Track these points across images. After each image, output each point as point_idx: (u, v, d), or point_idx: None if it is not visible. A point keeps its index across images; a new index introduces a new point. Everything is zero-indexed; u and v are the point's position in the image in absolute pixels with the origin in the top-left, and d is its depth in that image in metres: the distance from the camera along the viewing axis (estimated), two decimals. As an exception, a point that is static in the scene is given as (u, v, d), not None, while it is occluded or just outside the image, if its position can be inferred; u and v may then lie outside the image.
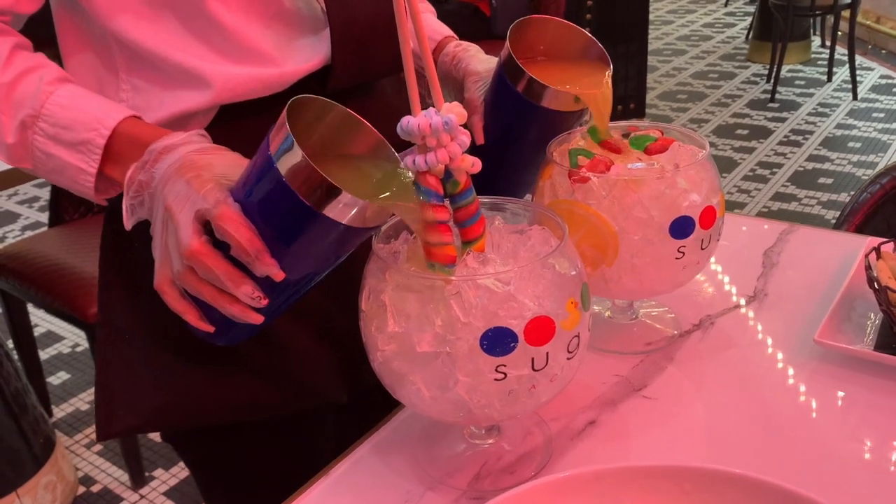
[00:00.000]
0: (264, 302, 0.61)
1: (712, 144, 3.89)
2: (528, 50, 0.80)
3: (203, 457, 0.87)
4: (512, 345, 0.58)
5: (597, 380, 0.80)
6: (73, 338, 2.67)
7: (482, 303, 0.58)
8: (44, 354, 2.55)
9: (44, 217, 3.51)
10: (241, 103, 0.75)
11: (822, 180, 3.48)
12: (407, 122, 0.59)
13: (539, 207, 0.69)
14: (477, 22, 3.63)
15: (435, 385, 0.60)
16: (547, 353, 0.59)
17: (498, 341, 0.58)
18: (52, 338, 2.68)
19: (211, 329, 0.65)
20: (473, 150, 0.78)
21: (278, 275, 0.59)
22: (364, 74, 0.81)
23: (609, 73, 0.79)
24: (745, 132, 4.04)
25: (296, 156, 0.56)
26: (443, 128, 0.59)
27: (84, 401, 2.37)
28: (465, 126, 0.60)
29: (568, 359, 0.61)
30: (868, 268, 0.80)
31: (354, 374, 0.83)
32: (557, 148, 0.80)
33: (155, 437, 2.20)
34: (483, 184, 0.63)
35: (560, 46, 0.82)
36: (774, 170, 3.62)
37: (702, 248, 0.77)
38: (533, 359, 0.59)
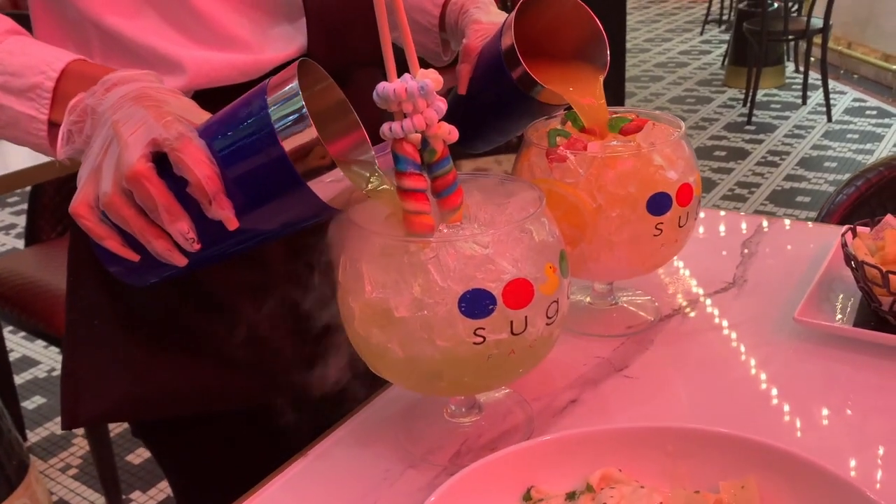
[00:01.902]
0: (196, 246, 0.57)
1: (691, 166, 3.93)
2: (532, 19, 0.77)
3: (173, 450, 0.85)
4: (490, 307, 0.57)
5: (578, 361, 0.79)
6: (48, 362, 2.63)
7: (460, 266, 0.58)
8: (19, 379, 2.50)
9: (20, 244, 3.47)
10: (216, 89, 0.75)
11: (799, 199, 3.53)
12: (383, 87, 0.59)
13: (517, 180, 0.69)
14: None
15: (414, 352, 0.59)
16: (526, 317, 0.59)
17: (476, 304, 0.57)
18: (27, 362, 2.63)
19: (136, 258, 0.59)
20: (454, 99, 0.76)
21: (232, 222, 0.55)
22: (339, 63, 0.81)
23: (603, 76, 0.79)
24: (724, 153, 4.09)
25: (299, 117, 0.53)
26: (418, 93, 0.59)
27: (59, 425, 2.32)
28: (441, 93, 0.60)
29: (547, 324, 0.61)
30: (844, 245, 0.81)
31: (328, 367, 0.82)
32: (535, 129, 0.80)
33: (132, 458, 2.15)
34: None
35: (565, 23, 0.80)
36: (753, 189, 3.66)
37: (679, 226, 0.77)
38: (512, 322, 0.58)
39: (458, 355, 0.59)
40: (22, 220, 3.65)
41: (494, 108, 0.81)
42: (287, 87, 0.55)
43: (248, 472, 0.82)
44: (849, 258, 0.80)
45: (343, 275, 0.62)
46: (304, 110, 0.54)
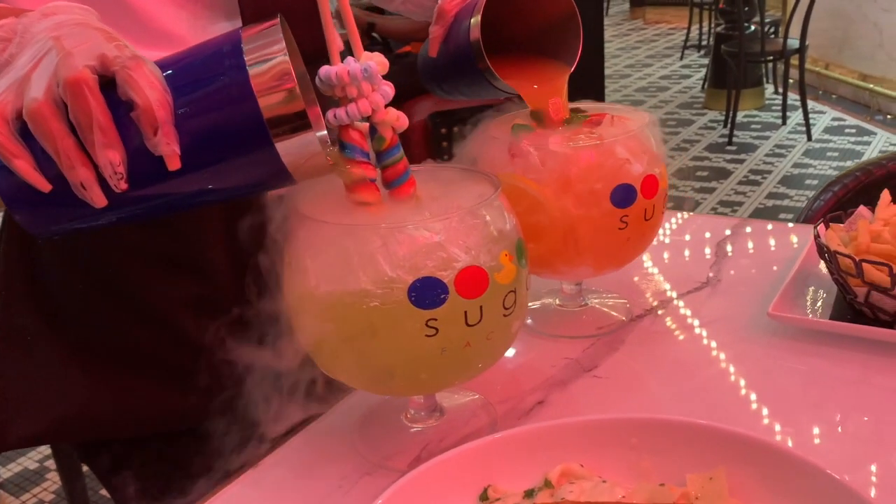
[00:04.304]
0: (123, 186, 0.49)
1: (673, 186, 3.94)
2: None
3: (119, 471, 0.80)
4: (442, 296, 0.55)
5: (546, 363, 0.76)
6: (24, 396, 2.56)
7: (410, 254, 0.55)
8: (-8, 414, 2.44)
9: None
10: None
11: (782, 216, 3.52)
12: (325, 71, 0.57)
13: (476, 171, 0.66)
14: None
15: (364, 347, 0.56)
16: (481, 307, 0.56)
17: (427, 293, 0.54)
18: None
19: (48, 187, 0.49)
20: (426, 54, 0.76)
21: (174, 160, 0.48)
22: None
23: (570, 71, 0.77)
24: (706, 174, 4.10)
25: (281, 71, 0.49)
26: (362, 76, 0.56)
27: (33, 459, 2.26)
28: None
29: (505, 315, 0.58)
30: (817, 237, 0.79)
31: (277, 380, 0.78)
32: (498, 124, 0.78)
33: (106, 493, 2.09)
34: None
35: (535, 3, 0.78)
36: (736, 208, 3.66)
37: (646, 219, 0.74)
38: (466, 312, 0.55)
39: (411, 349, 0.56)
40: None
41: (460, 78, 0.79)
42: (268, 32, 0.50)
43: (198, 489, 0.78)
44: (822, 249, 0.78)
45: (288, 270, 0.59)
46: (284, 53, 0.49)
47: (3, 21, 0.55)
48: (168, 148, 0.48)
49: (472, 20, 0.74)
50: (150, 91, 0.48)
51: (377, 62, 0.57)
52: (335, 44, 0.57)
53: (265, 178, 0.53)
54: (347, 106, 0.57)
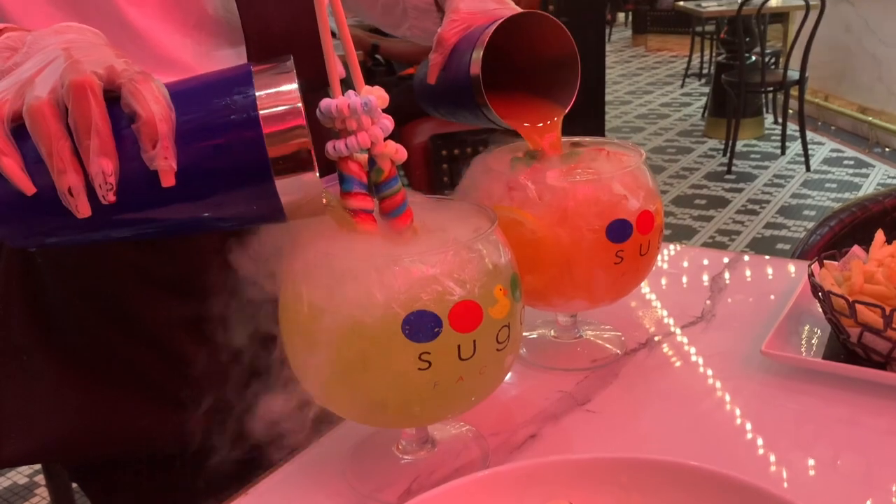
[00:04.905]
0: (111, 197, 0.47)
1: (671, 214, 3.95)
2: (509, 31, 0.75)
3: (110, 495, 0.80)
4: (436, 330, 0.55)
5: (539, 395, 0.76)
6: (16, 410, 2.55)
7: (404, 287, 0.55)
8: (-17, 427, 2.43)
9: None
10: None
11: (779, 246, 3.54)
12: (326, 104, 0.57)
13: (472, 204, 0.67)
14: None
15: (357, 379, 0.56)
16: (474, 341, 0.56)
17: (421, 326, 0.54)
18: (-7, 410, 2.56)
19: (31, 189, 0.48)
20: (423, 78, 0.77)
21: (168, 177, 0.48)
22: None
23: (566, 110, 0.78)
24: (704, 202, 4.12)
25: (291, 108, 0.49)
26: (362, 109, 0.57)
27: (23, 474, 2.24)
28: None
29: (498, 350, 0.58)
30: (811, 276, 0.79)
31: (272, 405, 0.78)
32: (496, 156, 0.79)
33: (96, 509, 2.07)
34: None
35: (542, 40, 0.78)
36: (733, 237, 3.67)
37: (641, 255, 0.75)
38: (459, 346, 0.56)
39: (404, 382, 0.56)
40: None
41: (457, 107, 0.79)
42: (280, 68, 0.51)
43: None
44: (815, 289, 0.78)
45: (283, 299, 0.59)
46: (298, 95, 0.49)
47: (12, 33, 0.56)
48: (165, 163, 0.48)
49: (474, 54, 0.74)
50: (154, 105, 0.48)
51: (377, 96, 0.58)
52: (336, 72, 0.58)
53: (257, 214, 0.53)
54: (347, 138, 0.58)
